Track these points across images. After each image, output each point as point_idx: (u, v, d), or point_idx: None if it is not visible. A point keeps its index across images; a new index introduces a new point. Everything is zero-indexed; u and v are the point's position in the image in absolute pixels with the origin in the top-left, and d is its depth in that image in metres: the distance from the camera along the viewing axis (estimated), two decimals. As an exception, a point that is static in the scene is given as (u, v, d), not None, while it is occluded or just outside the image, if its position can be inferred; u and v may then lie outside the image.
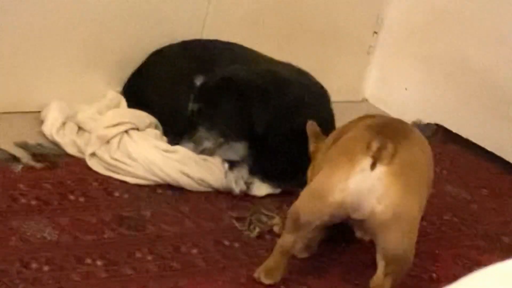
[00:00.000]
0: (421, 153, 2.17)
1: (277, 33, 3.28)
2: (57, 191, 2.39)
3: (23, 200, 2.32)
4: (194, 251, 2.27)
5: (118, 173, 2.55)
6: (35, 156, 2.54)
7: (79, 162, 2.57)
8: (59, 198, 2.37)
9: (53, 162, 2.53)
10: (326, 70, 3.11)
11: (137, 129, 2.67)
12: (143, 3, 2.93)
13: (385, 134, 2.06)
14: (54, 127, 2.65)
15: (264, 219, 2.46)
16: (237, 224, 2.43)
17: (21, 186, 2.38)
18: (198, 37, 3.03)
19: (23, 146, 2.58)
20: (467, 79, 3.34)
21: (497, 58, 3.23)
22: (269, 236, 2.39)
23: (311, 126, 2.44)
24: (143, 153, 2.57)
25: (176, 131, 2.71)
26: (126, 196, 2.47)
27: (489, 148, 3.25)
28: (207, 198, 2.56)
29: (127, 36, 2.93)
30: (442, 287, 0.97)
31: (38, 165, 2.50)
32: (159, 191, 2.54)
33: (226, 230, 2.40)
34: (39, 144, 2.62)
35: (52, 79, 2.84)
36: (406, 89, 3.54)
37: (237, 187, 2.59)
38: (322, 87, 2.79)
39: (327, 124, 2.61)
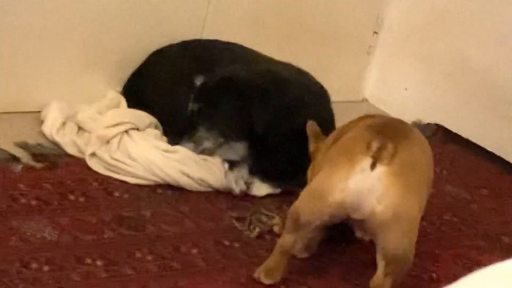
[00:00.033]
0: (421, 153, 2.17)
1: (277, 33, 3.28)
2: (57, 191, 2.39)
3: (23, 200, 2.32)
4: (194, 251, 2.27)
5: (118, 173, 2.55)
6: (35, 156, 2.54)
7: (79, 162, 2.57)
8: (59, 198, 2.37)
9: (53, 162, 2.53)
10: (326, 70, 3.11)
11: (137, 129, 2.67)
12: (143, 3, 2.93)
13: (385, 134, 2.06)
14: (54, 127, 2.65)
15: (264, 219, 2.46)
16: (237, 224, 2.43)
17: (21, 186, 2.38)
18: (198, 37, 3.03)
19: (23, 146, 2.58)
20: (467, 79, 3.33)
21: (497, 58, 3.23)
22: (269, 236, 2.39)
23: (311, 126, 2.44)
24: (143, 153, 2.57)
25: (176, 131, 2.71)
26: (126, 196, 2.47)
27: (489, 148, 3.25)
28: (207, 198, 2.56)
29: (127, 36, 2.93)
30: (442, 287, 0.97)
31: (38, 165, 2.50)
32: (159, 191, 2.54)
33: (226, 230, 2.40)
34: (39, 144, 2.62)
35: (52, 79, 2.84)
36: (406, 89, 3.54)
37: (237, 187, 2.59)
38: (322, 87, 2.79)
39: (327, 124, 2.61)
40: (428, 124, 3.38)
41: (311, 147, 2.41)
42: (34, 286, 1.98)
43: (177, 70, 2.87)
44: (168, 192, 2.54)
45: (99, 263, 2.12)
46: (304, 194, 2.12)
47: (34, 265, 2.05)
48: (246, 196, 2.60)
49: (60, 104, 2.74)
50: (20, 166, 2.47)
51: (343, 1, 3.44)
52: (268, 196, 2.63)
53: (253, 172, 2.64)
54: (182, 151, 2.62)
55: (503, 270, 0.93)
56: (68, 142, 2.62)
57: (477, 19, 3.29)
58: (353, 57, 3.58)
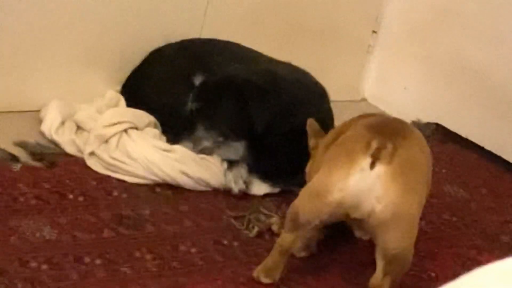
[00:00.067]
0: (420, 152, 2.17)
1: (276, 32, 3.28)
2: (56, 191, 2.40)
3: (22, 200, 2.32)
4: (193, 250, 2.27)
5: (117, 173, 2.55)
6: (34, 155, 2.54)
7: (78, 162, 2.57)
8: (58, 198, 2.37)
9: (52, 161, 2.53)
10: (325, 70, 3.10)
11: (136, 128, 2.67)
12: (142, 3, 2.93)
13: (385, 133, 2.06)
14: (53, 127, 2.65)
15: (263, 218, 2.46)
16: (236, 224, 2.43)
17: (20, 185, 2.38)
18: (197, 36, 3.03)
19: (22, 145, 2.58)
20: (467, 78, 3.33)
21: (497, 57, 3.23)
22: (268, 236, 2.39)
23: (311, 123, 2.44)
24: (142, 152, 2.57)
25: (175, 130, 2.71)
26: (125, 195, 2.47)
27: (488, 147, 3.25)
28: (206, 198, 2.55)
29: (126, 36, 2.93)
30: (441, 286, 0.97)
31: (37, 164, 2.50)
32: (158, 190, 2.54)
33: (225, 230, 2.40)
34: (38, 144, 2.62)
35: (51, 78, 2.84)
36: (405, 88, 3.54)
37: (236, 187, 2.59)
38: (321, 87, 2.79)
39: (326, 123, 2.61)
40: (428, 124, 3.38)
41: (311, 142, 2.40)
42: (33, 285, 1.98)
43: (176, 70, 2.87)
44: (167, 191, 2.54)
45: (98, 262, 2.12)
46: (303, 193, 2.12)
47: (33, 264, 2.05)
48: (245, 195, 2.60)
49: (59, 104, 2.74)
50: (19, 166, 2.47)
51: (342, 0, 3.44)
52: (267, 195, 2.63)
53: (252, 171, 2.64)
54: (181, 151, 2.62)
55: (501, 269, 0.93)
56: (67, 141, 2.62)
57: (476, 18, 3.29)
58: (352, 57, 3.58)
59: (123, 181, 2.53)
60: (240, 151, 2.67)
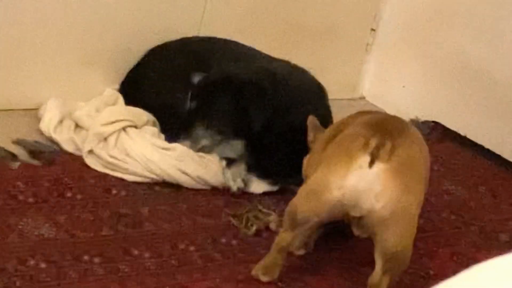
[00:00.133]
0: (418, 150, 2.17)
1: (274, 30, 3.28)
2: (55, 189, 2.39)
3: (20, 197, 2.32)
4: (192, 248, 2.27)
5: (116, 171, 2.55)
6: (33, 153, 2.54)
7: (77, 160, 2.57)
8: (57, 196, 2.37)
9: (51, 159, 2.53)
10: (323, 68, 3.10)
11: (135, 126, 2.67)
12: (140, 1, 2.92)
13: (383, 131, 2.06)
14: (52, 125, 2.65)
15: (261, 216, 2.46)
16: (234, 222, 2.43)
17: (19, 183, 2.38)
18: (195, 34, 3.03)
19: (21, 143, 2.58)
20: (465, 76, 3.33)
21: (495, 56, 3.22)
22: (266, 234, 2.39)
23: (312, 120, 2.43)
24: (140, 150, 2.57)
25: (173, 128, 2.71)
26: (123, 193, 2.47)
27: (486, 145, 3.25)
28: (204, 196, 2.55)
29: (124, 34, 2.93)
30: (438, 284, 0.97)
31: (36, 162, 2.50)
32: (157, 188, 2.53)
33: (223, 228, 2.40)
34: (36, 142, 2.62)
35: (50, 76, 2.84)
36: (403, 86, 3.54)
37: (235, 185, 2.58)
38: (319, 85, 2.79)
39: (324, 121, 2.60)
40: (426, 122, 3.37)
41: (310, 136, 2.40)
42: (31, 283, 1.98)
43: (175, 68, 2.87)
44: (166, 189, 2.54)
45: (96, 260, 2.12)
46: (302, 191, 2.12)
47: (31, 262, 2.05)
48: (243, 193, 2.59)
49: (57, 102, 2.74)
50: (17, 164, 2.47)
51: (341, -1, 3.44)
52: (265, 193, 2.62)
53: (250, 169, 2.64)
54: (180, 149, 2.61)
55: (499, 266, 0.93)
56: (66, 139, 2.62)
57: (475, 16, 3.28)
58: (350, 55, 3.58)
59: (122, 179, 2.53)
60: (238, 150, 2.67)
